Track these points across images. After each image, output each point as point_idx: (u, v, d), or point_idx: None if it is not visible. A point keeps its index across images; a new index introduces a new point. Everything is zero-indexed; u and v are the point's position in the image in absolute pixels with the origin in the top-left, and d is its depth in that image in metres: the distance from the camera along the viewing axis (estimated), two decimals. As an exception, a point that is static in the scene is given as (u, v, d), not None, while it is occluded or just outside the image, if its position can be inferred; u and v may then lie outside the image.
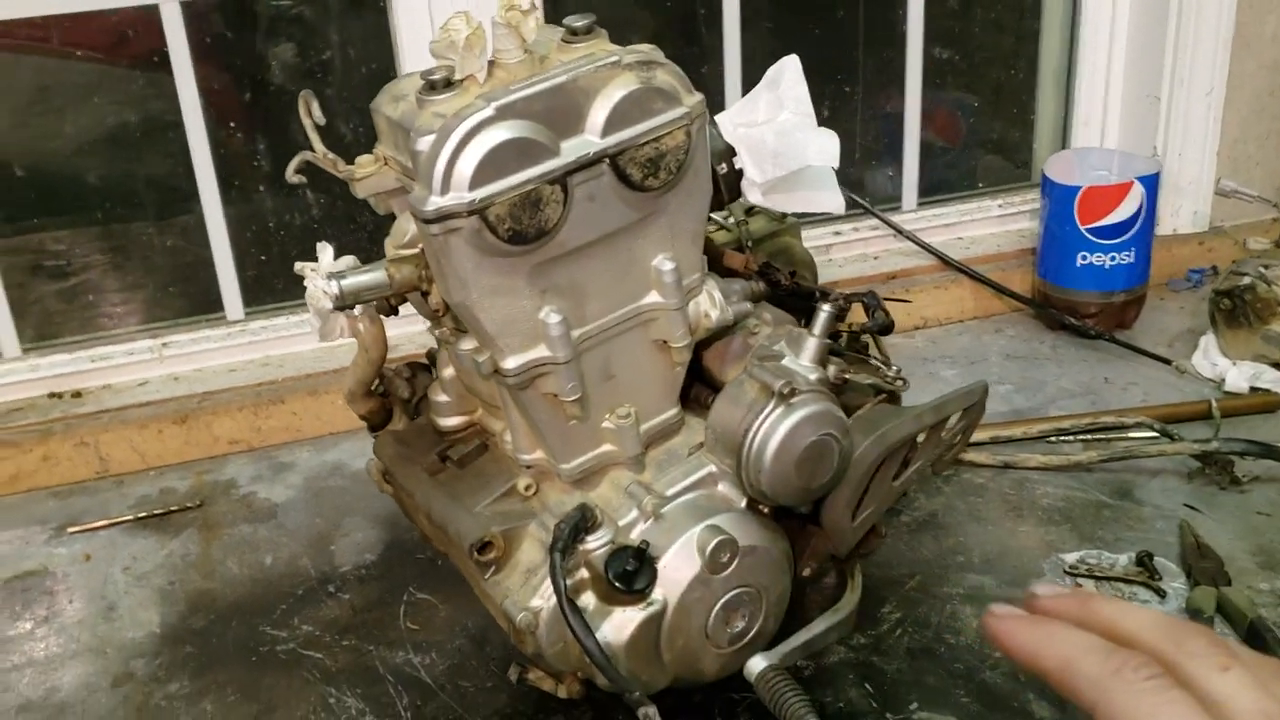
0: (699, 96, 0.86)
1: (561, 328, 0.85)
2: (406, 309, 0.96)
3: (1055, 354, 1.59)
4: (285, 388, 1.50)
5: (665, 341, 0.91)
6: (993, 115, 1.85)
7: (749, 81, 1.60)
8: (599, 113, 0.82)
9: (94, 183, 1.57)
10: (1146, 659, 0.38)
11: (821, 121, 0.98)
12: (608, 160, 0.82)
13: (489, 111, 0.78)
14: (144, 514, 1.36)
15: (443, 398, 0.99)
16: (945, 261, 1.67)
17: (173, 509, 1.37)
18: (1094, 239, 1.55)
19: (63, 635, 1.18)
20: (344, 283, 0.84)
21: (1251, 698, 0.37)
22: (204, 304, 1.58)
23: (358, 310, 0.95)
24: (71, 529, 1.35)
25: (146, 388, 1.51)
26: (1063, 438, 1.35)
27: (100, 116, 1.56)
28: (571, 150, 0.81)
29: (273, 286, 1.58)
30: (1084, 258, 1.57)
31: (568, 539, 0.86)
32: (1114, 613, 0.41)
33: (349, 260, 0.97)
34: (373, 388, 1.08)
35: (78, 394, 1.50)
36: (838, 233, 1.71)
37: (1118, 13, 1.71)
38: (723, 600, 0.90)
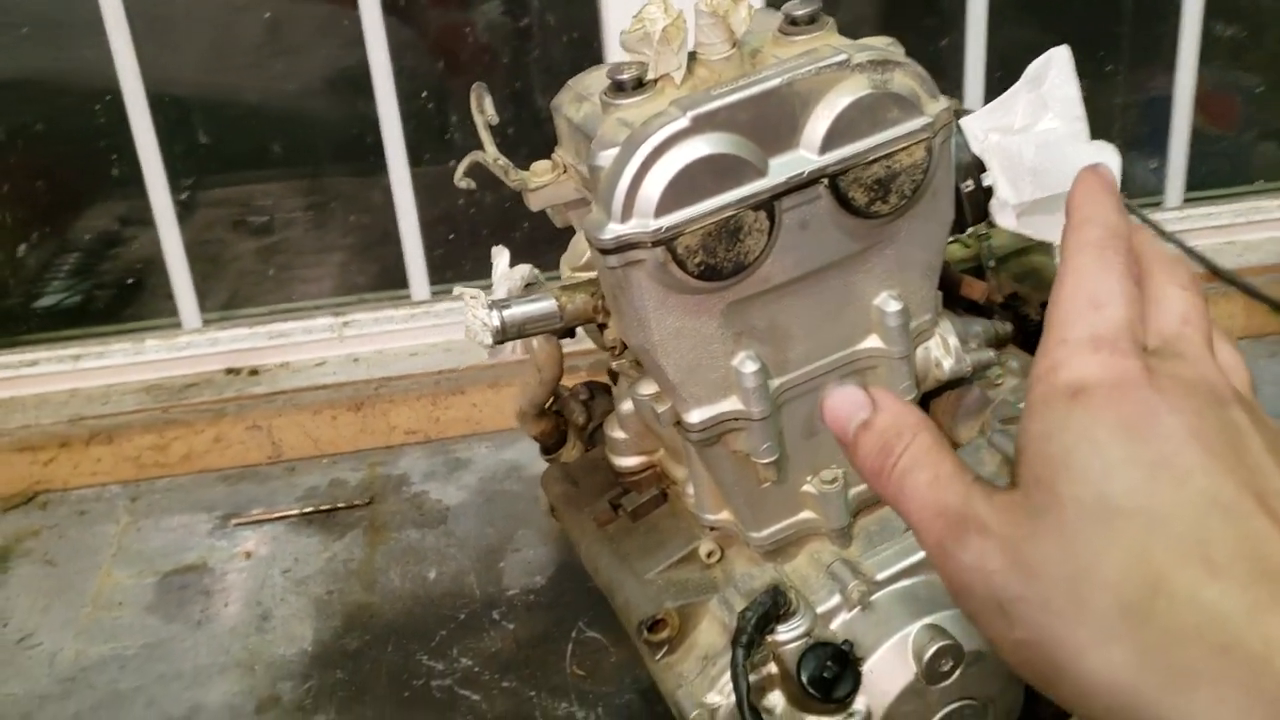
0: (945, 103, 0.69)
1: (758, 378, 0.70)
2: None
3: (1345, 388, 1.35)
4: (466, 378, 1.40)
5: (885, 395, 0.75)
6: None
7: (993, 58, 1.40)
8: (819, 124, 0.66)
9: (309, 132, 1.50)
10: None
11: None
12: (827, 181, 0.67)
13: (684, 122, 0.63)
14: (310, 509, 1.29)
15: (619, 434, 0.85)
16: (1214, 271, 1.44)
17: (340, 506, 1.29)
18: (1405, 256, 1.30)
19: (214, 644, 1.11)
20: (507, 314, 0.72)
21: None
22: (391, 279, 1.49)
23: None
24: (236, 521, 1.29)
25: (324, 368, 1.44)
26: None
27: (329, 60, 1.47)
28: (782, 169, 0.66)
29: (460, 267, 1.48)
30: (1390, 277, 1.32)
31: (754, 631, 0.72)
32: None
33: (523, 271, 0.84)
34: (546, 407, 0.96)
35: (255, 371, 1.44)
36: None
37: None
38: (940, 715, 0.75)
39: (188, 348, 1.44)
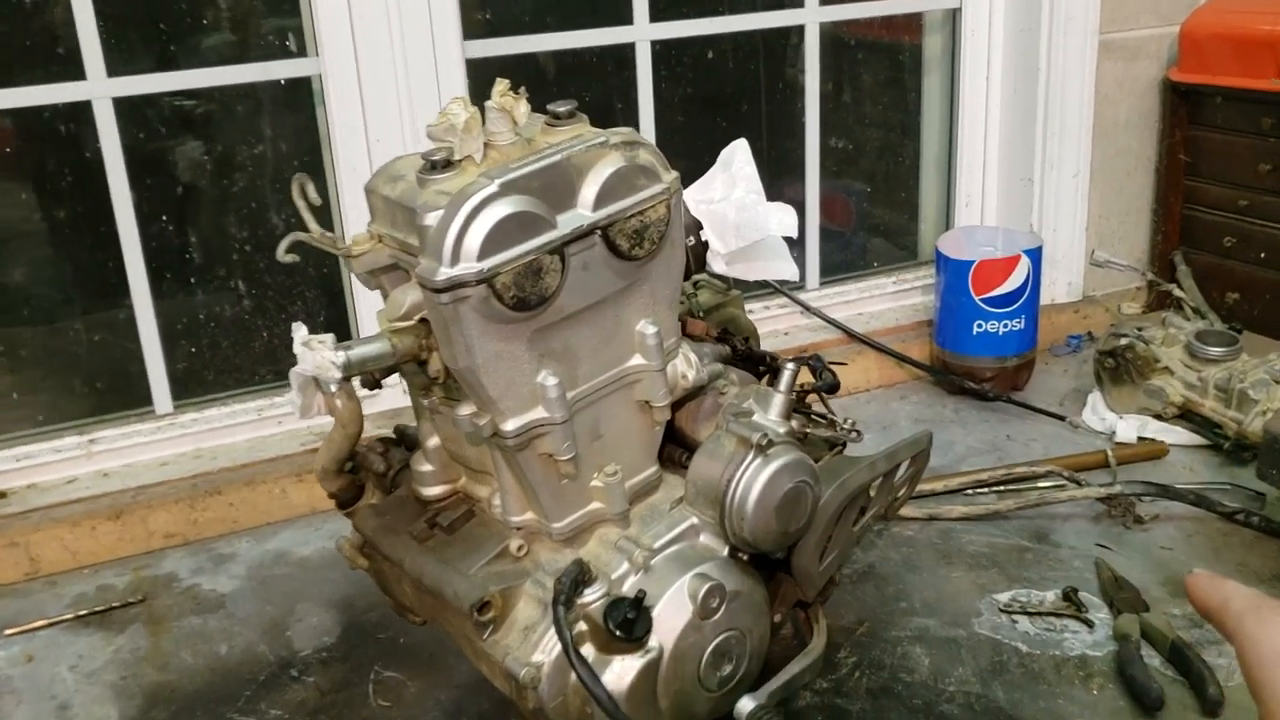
0: (675, 174, 0.93)
1: (558, 389, 0.90)
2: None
3: (958, 416, 1.69)
4: (221, 479, 1.49)
5: (647, 402, 0.97)
6: (881, 200, 1.98)
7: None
8: (590, 188, 0.88)
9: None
10: (1277, 603, 0.56)
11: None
12: (599, 232, 0.88)
13: (493, 188, 0.84)
14: (84, 611, 1.34)
15: (426, 467, 1.02)
16: (850, 335, 1.77)
17: (114, 605, 1.35)
18: (988, 308, 1.67)
19: (17, 737, 1.15)
20: (351, 353, 0.88)
21: None
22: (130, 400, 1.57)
23: (334, 388, 0.98)
24: (8, 631, 1.32)
25: (75, 485, 1.49)
26: (979, 490, 1.44)
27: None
28: (567, 223, 0.87)
29: (203, 379, 1.58)
30: (979, 326, 1.68)
31: (569, 592, 0.90)
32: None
33: (321, 338, 1.00)
34: (345, 465, 1.10)
35: (3, 494, 1.47)
36: (749, 311, 1.79)
37: (990, 104, 1.87)
38: (713, 644, 0.95)
39: (-72, 478, 1.46)
